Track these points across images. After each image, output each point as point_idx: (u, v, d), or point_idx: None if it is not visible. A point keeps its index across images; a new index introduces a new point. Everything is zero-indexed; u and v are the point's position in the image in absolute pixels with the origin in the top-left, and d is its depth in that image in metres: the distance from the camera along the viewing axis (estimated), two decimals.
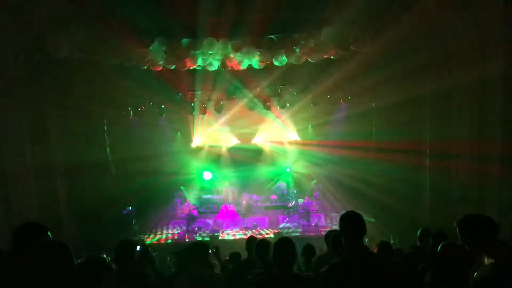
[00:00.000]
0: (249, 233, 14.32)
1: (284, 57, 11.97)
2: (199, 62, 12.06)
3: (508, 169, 9.69)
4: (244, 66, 12.41)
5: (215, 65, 12.24)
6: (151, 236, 15.33)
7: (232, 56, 11.87)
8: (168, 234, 15.63)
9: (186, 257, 4.27)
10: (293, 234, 14.40)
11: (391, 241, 10.61)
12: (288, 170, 19.28)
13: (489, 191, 10.53)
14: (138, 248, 4.06)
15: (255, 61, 12.09)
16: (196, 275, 4.04)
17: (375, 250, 5.27)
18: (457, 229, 3.30)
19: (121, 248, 3.82)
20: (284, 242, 3.50)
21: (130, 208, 16.20)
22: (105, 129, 15.71)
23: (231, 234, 14.99)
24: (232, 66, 12.38)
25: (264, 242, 4.46)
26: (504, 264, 2.91)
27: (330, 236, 4.88)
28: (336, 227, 13.15)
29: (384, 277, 3.03)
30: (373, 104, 15.17)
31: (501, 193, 10.15)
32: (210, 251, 4.63)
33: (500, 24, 9.62)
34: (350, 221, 3.29)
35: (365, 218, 3.31)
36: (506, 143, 9.85)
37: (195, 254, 4.21)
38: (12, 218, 10.87)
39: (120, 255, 3.80)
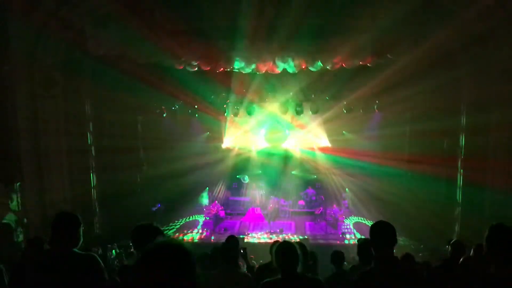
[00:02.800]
0: (275, 237, 14.28)
1: (320, 62, 11.92)
2: (235, 64, 12.15)
3: None
4: (279, 70, 12.42)
5: (250, 68, 12.29)
6: (176, 235, 15.48)
7: (267, 59, 11.89)
8: (197, 233, 15.71)
9: (219, 255, 4.31)
10: (320, 241, 14.27)
11: (420, 254, 10.42)
12: (315, 177, 19.16)
13: None
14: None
15: (290, 65, 12.08)
16: (228, 274, 4.08)
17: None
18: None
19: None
20: (286, 245, 3.49)
21: (159, 205, 16.45)
22: (138, 127, 16.05)
23: (257, 237, 14.98)
24: (267, 70, 12.41)
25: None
26: None
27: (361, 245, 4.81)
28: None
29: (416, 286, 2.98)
30: (408, 115, 14.88)
31: None
32: None
33: None
34: (381, 231, 3.24)
35: None
36: None
37: (228, 253, 4.26)
38: (46, 209, 11.25)
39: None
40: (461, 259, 5.01)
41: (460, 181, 12.76)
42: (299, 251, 3.44)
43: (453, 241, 5.77)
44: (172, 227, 16.41)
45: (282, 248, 3.46)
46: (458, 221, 12.70)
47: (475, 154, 11.93)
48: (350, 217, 17.44)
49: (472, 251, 5.24)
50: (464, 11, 9.90)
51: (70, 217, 3.46)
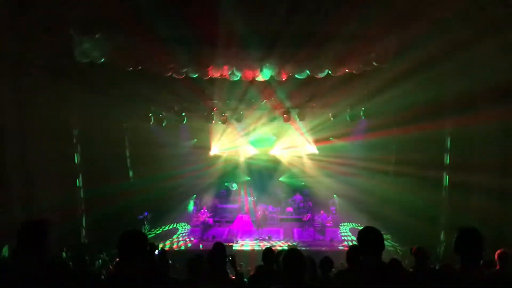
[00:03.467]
0: (263, 244, 14.30)
1: (307, 71, 11.99)
2: (221, 71, 12.16)
3: None
4: (266, 77, 12.46)
5: (237, 75, 12.32)
6: (166, 242, 15.41)
7: (255, 67, 11.94)
8: (181, 241, 15.64)
9: (206, 263, 4.31)
10: (307, 248, 14.30)
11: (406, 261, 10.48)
12: (303, 183, 19.26)
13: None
14: (156, 252, 4.09)
15: (277, 72, 12.14)
16: (215, 281, 4.08)
17: None
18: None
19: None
20: (293, 253, 3.49)
21: (146, 213, 16.35)
22: (126, 134, 15.97)
23: (245, 244, 14.96)
24: (254, 77, 12.45)
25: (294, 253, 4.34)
26: None
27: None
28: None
29: None
30: (394, 120, 15.02)
31: None
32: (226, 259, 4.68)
33: None
34: (369, 236, 3.27)
35: None
36: None
37: (215, 261, 4.26)
38: (33, 218, 11.05)
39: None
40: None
41: (446, 185, 12.94)
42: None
43: (416, 248, 5.78)
44: (158, 235, 16.33)
45: (290, 256, 3.47)
46: (444, 225, 12.86)
47: (461, 165, 12.11)
48: (343, 224, 17.52)
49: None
50: (446, 16, 10.08)
51: (37, 226, 3.41)
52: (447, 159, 12.85)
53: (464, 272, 3.13)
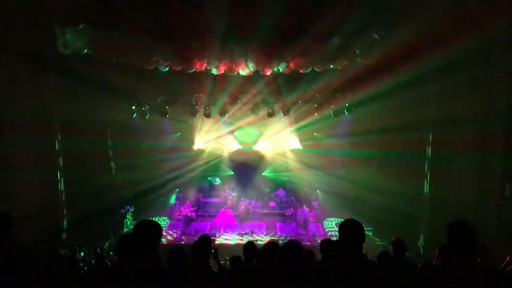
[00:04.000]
0: (246, 238, 14.34)
1: (291, 65, 12.03)
2: (205, 65, 12.11)
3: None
4: (251, 71, 12.46)
5: (222, 69, 12.29)
6: None
7: (239, 60, 11.92)
8: (167, 236, 15.57)
9: (192, 253, 4.31)
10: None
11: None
12: (286, 178, 19.36)
13: (488, 210, 10.59)
14: None
15: (261, 67, 12.14)
16: (198, 273, 4.09)
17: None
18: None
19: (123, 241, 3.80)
20: (292, 244, 3.57)
21: (129, 207, 16.24)
22: (108, 127, 15.78)
23: (228, 238, 14.99)
24: (239, 71, 12.44)
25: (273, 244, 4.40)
26: None
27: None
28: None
29: (380, 285, 3.06)
30: (377, 116, 15.17)
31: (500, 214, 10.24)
32: None
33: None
34: (350, 228, 3.31)
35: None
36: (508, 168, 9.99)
37: (199, 253, 4.27)
38: (12, 213, 10.85)
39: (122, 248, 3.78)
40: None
41: (427, 182, 13.14)
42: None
43: (394, 239, 5.91)
44: None
45: (289, 246, 3.54)
46: (425, 220, 13.08)
47: (442, 156, 12.30)
48: (328, 219, 17.63)
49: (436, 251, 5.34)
50: (425, 12, 10.23)
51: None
52: (429, 152, 13.04)
53: (461, 267, 3.21)
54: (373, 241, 13.90)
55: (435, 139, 12.68)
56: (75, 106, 12.68)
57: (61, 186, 13.24)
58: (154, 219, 16.89)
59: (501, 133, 10.23)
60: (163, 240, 14.71)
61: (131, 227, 16.07)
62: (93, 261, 9.79)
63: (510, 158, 9.99)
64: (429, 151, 13.02)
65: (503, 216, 10.29)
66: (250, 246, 5.41)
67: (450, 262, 3.35)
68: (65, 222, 13.25)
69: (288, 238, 15.12)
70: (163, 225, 16.99)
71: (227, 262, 6.61)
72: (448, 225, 3.35)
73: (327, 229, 16.74)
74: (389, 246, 5.91)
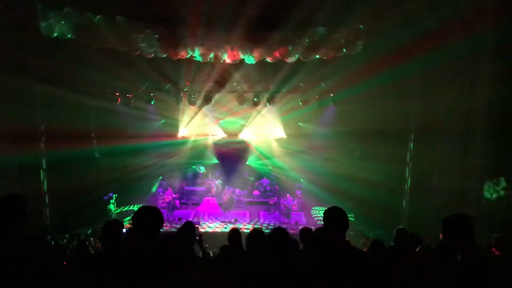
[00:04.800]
0: (229, 226, 14.39)
1: (278, 54, 12.02)
2: (191, 52, 12.03)
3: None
4: (237, 60, 12.42)
5: (208, 57, 12.21)
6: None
7: (226, 49, 11.87)
8: None
9: (175, 240, 4.33)
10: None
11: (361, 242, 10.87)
12: (271, 167, 19.45)
13: (469, 193, 10.81)
14: (124, 230, 4.08)
15: (247, 56, 12.11)
16: (183, 259, 4.11)
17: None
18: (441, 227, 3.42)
19: (107, 227, 3.83)
20: (278, 232, 3.61)
21: (112, 194, 16.14)
22: (91, 113, 15.57)
23: (211, 226, 15.04)
24: (225, 59, 12.39)
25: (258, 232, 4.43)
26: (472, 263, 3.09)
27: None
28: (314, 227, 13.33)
29: (364, 270, 3.13)
30: (361, 110, 15.28)
31: (480, 202, 10.46)
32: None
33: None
34: (335, 215, 3.37)
35: None
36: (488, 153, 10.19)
37: (184, 239, 4.30)
38: None
39: (106, 234, 3.80)
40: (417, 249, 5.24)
41: (409, 173, 13.35)
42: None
43: (398, 228, 6.11)
44: (123, 213, 16.25)
45: (273, 235, 3.58)
46: (406, 212, 13.31)
47: (424, 149, 12.50)
48: (315, 207, 17.75)
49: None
50: (416, 7, 10.30)
51: (16, 200, 3.32)
52: (411, 145, 13.23)
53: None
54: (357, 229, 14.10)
55: (418, 131, 12.86)
56: (58, 91, 12.46)
57: (43, 171, 13.08)
58: (131, 207, 16.90)
59: (482, 129, 10.40)
60: None
61: (114, 214, 16.04)
62: (75, 248, 9.74)
63: (490, 153, 10.21)
64: (411, 143, 13.22)
65: (482, 209, 10.52)
66: (235, 233, 5.45)
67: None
68: (47, 209, 13.11)
69: (271, 226, 15.26)
70: None
71: (211, 249, 6.66)
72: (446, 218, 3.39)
73: (315, 217, 16.87)
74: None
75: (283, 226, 14.35)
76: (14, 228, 3.19)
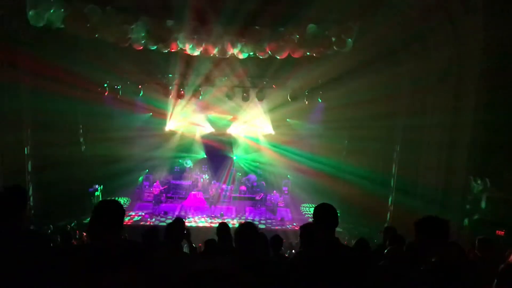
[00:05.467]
0: (215, 221, 14.38)
1: (268, 50, 12.00)
2: (181, 45, 11.93)
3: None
4: (227, 54, 12.35)
5: (198, 50, 12.13)
6: None
7: (216, 42, 11.79)
8: (134, 217, 15.44)
9: (165, 234, 4.30)
10: (259, 226, 14.51)
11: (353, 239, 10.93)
12: (258, 163, 19.45)
13: (453, 194, 10.94)
14: None
15: (238, 50, 12.06)
16: (171, 253, 4.09)
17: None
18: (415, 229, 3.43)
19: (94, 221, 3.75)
20: (246, 227, 3.58)
21: (97, 186, 15.99)
22: (78, 104, 15.37)
23: (198, 220, 15.01)
24: (215, 53, 12.30)
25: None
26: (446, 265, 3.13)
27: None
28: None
29: (352, 268, 3.14)
30: (349, 107, 15.34)
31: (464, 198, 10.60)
32: None
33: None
34: (324, 212, 3.36)
35: None
36: (474, 149, 10.33)
37: (173, 234, 4.27)
38: None
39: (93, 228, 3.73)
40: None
41: (395, 171, 13.47)
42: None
43: (386, 227, 6.14)
44: None
45: (243, 230, 3.54)
46: (391, 210, 13.44)
47: (411, 139, 12.62)
48: (304, 204, 17.81)
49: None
50: (408, 9, 10.37)
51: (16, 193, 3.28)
52: (399, 140, 13.38)
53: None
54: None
55: (405, 128, 12.99)
56: (45, 82, 12.27)
57: (28, 162, 12.91)
58: (125, 199, 16.78)
59: (468, 128, 10.54)
60: (134, 219, 14.66)
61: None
62: (58, 240, 9.64)
63: (475, 153, 10.35)
64: (399, 139, 13.34)
65: (466, 210, 10.68)
66: (224, 226, 5.43)
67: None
68: (31, 199, 12.95)
69: (256, 222, 15.29)
70: (133, 205, 16.85)
71: (196, 244, 6.65)
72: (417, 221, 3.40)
73: (305, 213, 16.94)
74: (379, 234, 6.09)
75: (269, 222, 14.45)
76: (15, 219, 3.17)
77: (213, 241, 5.36)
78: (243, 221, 13.88)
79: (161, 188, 16.91)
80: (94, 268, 2.78)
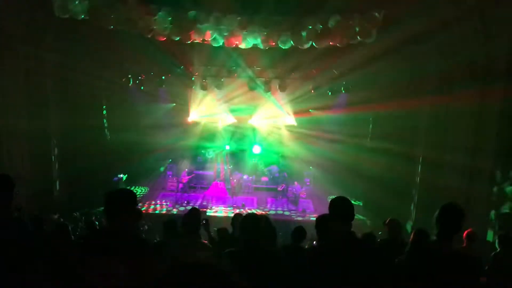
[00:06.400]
0: (237, 212, 14.45)
1: (290, 40, 11.90)
2: (204, 36, 11.95)
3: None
4: (248, 45, 12.31)
5: (220, 41, 12.13)
6: (139, 206, 15.40)
7: (238, 33, 11.76)
8: (157, 205, 15.68)
9: (182, 224, 4.35)
10: (280, 217, 14.56)
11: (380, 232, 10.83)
12: (280, 154, 19.42)
13: (478, 191, 10.69)
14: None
15: (260, 40, 12.00)
16: (189, 243, 4.14)
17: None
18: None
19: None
20: (249, 218, 3.59)
21: (121, 175, 16.27)
22: (103, 93, 15.65)
23: (219, 210, 15.13)
24: (237, 44, 12.29)
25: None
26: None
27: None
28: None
29: (367, 262, 3.12)
30: (373, 97, 15.12)
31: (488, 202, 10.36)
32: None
33: None
34: (340, 205, 3.34)
35: (352, 201, 3.39)
36: (500, 148, 10.06)
37: (189, 224, 4.31)
38: None
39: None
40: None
41: (420, 163, 13.22)
42: (262, 224, 3.54)
43: (388, 220, 5.93)
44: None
45: (246, 221, 3.55)
46: (415, 201, 13.22)
47: (436, 137, 12.35)
48: (310, 194, 17.74)
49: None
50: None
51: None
52: (421, 137, 13.10)
53: (436, 245, 3.24)
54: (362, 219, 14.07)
55: (430, 124, 12.72)
56: (70, 72, 12.52)
57: (53, 149, 13.22)
58: (148, 189, 17.04)
59: (495, 126, 10.26)
60: (156, 211, 14.87)
61: None
62: (84, 227, 9.88)
63: (501, 152, 10.09)
64: (422, 136, 13.09)
65: (491, 205, 10.43)
66: (238, 218, 5.46)
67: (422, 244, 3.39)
68: (57, 184, 13.29)
69: (279, 212, 15.33)
70: (157, 195, 17.04)
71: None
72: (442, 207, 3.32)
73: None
74: (384, 225, 5.95)
75: (290, 213, 14.46)
76: (1, 207, 3.25)
77: (225, 230, 5.40)
78: (263, 211, 14.06)
79: (185, 180, 17.09)
80: (87, 254, 2.87)
